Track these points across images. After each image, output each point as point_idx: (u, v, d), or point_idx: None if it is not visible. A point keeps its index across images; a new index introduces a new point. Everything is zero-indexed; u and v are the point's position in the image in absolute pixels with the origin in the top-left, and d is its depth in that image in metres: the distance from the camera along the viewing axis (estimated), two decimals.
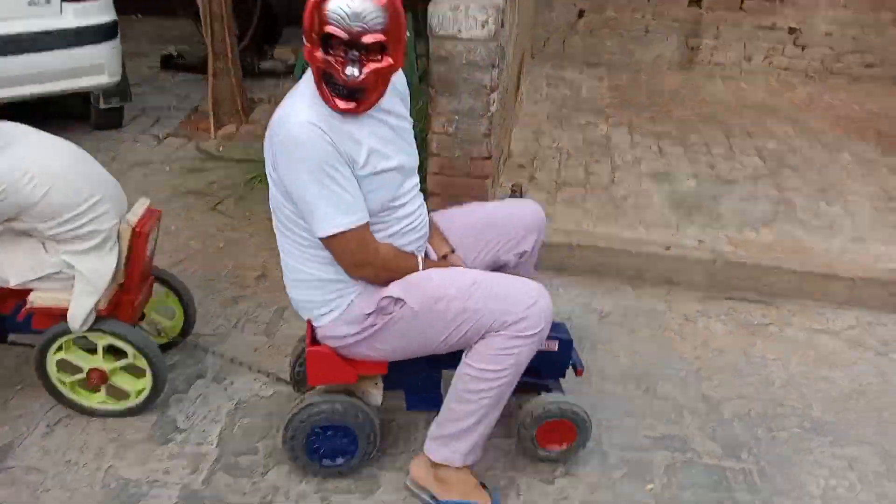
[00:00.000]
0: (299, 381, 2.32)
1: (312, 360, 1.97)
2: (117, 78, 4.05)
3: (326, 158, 1.71)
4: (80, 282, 2.10)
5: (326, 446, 2.04)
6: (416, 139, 2.05)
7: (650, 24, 5.63)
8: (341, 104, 1.73)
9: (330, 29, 1.65)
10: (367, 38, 1.66)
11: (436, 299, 1.83)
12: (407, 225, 1.93)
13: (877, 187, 3.94)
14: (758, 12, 5.52)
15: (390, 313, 1.87)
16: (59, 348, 2.18)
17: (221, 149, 4.18)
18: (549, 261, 3.19)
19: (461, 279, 1.88)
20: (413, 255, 1.93)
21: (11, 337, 2.33)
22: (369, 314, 1.88)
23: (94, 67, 3.90)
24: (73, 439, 2.19)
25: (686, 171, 3.99)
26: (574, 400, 2.13)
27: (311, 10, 1.67)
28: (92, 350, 2.21)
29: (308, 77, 1.78)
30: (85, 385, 2.24)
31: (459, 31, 2.88)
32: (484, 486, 2.04)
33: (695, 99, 5.19)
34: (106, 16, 3.91)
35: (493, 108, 3.03)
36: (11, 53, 3.63)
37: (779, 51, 5.63)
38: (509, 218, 2.19)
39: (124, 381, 2.26)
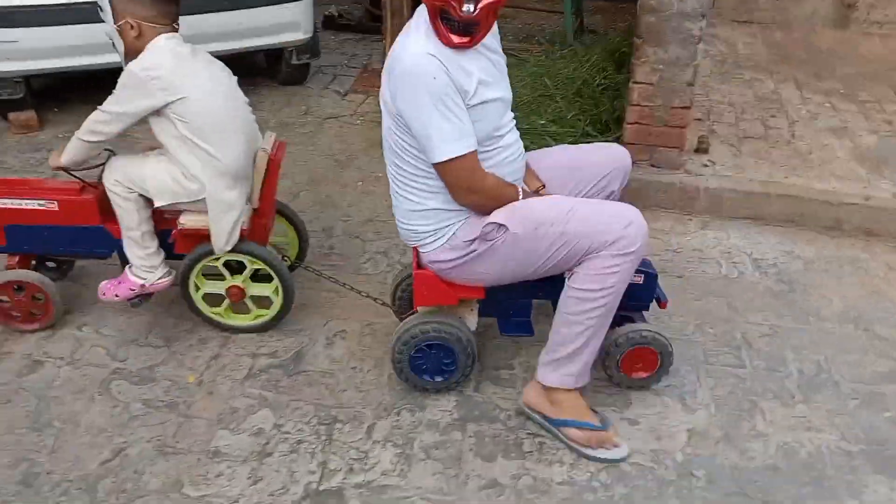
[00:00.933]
0: (400, 308, 2.47)
1: (419, 283, 2.11)
2: (310, 34, 4.31)
3: (444, 88, 1.82)
4: (212, 207, 2.30)
5: (430, 364, 2.20)
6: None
7: None
8: (456, 39, 1.83)
9: None
10: None
11: (536, 224, 1.94)
12: (507, 157, 2.03)
13: None
14: None
15: (492, 239, 1.98)
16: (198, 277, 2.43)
17: None
18: (745, 209, 3.31)
19: (560, 205, 1.99)
20: (514, 186, 2.03)
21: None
22: (473, 240, 2.00)
23: (291, 24, 4.17)
24: (353, 350, 2.48)
25: (864, 127, 4.00)
26: (658, 328, 2.25)
27: None
28: (218, 274, 2.45)
29: (421, 13, 1.90)
30: (223, 303, 2.48)
31: None
32: (594, 411, 2.15)
33: (855, 56, 5.12)
34: None
35: (699, 57, 3.14)
36: (219, 10, 3.92)
37: None
38: (597, 160, 2.26)
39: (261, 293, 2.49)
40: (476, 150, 1.92)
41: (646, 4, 3.07)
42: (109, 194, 2.33)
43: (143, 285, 2.40)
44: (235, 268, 2.47)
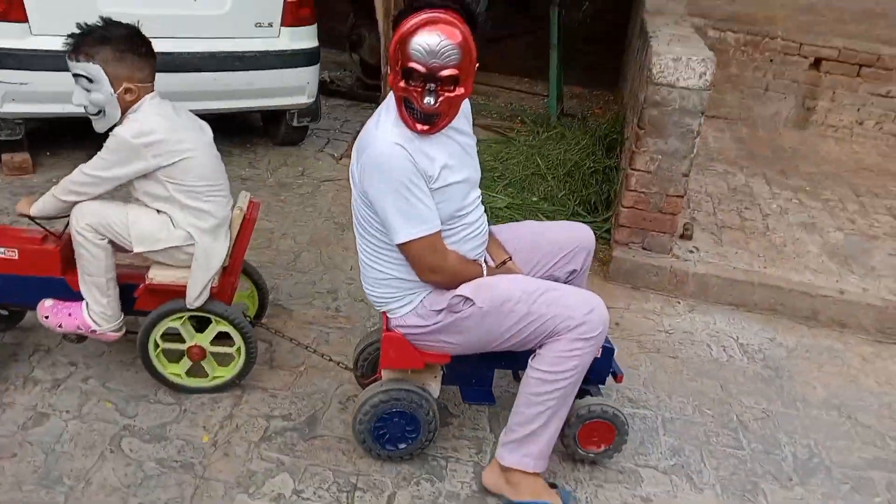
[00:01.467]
0: (363, 373, 2.50)
1: (387, 344, 2.15)
2: (314, 98, 4.42)
3: (407, 175, 1.91)
4: (198, 259, 2.30)
5: (391, 432, 2.22)
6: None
7: (770, 83, 5.96)
8: (419, 126, 1.94)
9: (411, 64, 1.84)
10: (443, 73, 1.86)
11: (503, 301, 2.02)
12: (470, 232, 2.11)
13: None
14: (873, 79, 5.84)
15: (459, 311, 2.05)
16: (158, 335, 2.38)
17: None
18: (730, 296, 3.49)
19: (526, 285, 2.07)
20: (478, 263, 2.13)
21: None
22: (440, 310, 2.07)
23: (298, 88, 4.27)
24: None
25: (830, 224, 4.28)
26: (614, 403, 2.34)
27: (395, 46, 1.87)
28: (175, 334, 2.41)
29: (389, 101, 2.00)
30: (180, 360, 2.44)
31: (678, 80, 3.22)
32: (553, 485, 2.20)
33: (814, 157, 5.49)
34: (313, 41, 4.29)
35: (695, 151, 3.35)
36: (236, 70, 4.00)
37: (890, 117, 5.93)
38: (561, 238, 2.35)
39: (218, 357, 2.47)
40: (438, 231, 2.00)
41: (651, 99, 3.28)
42: (77, 238, 2.26)
43: (93, 331, 2.35)
44: (196, 328, 2.44)
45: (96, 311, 2.33)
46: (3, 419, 2.29)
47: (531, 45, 6.68)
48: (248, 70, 4.04)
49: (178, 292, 2.33)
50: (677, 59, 3.20)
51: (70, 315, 2.34)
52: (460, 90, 1.93)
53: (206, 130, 2.43)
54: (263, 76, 4.12)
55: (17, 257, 2.33)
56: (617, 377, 2.38)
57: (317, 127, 5.00)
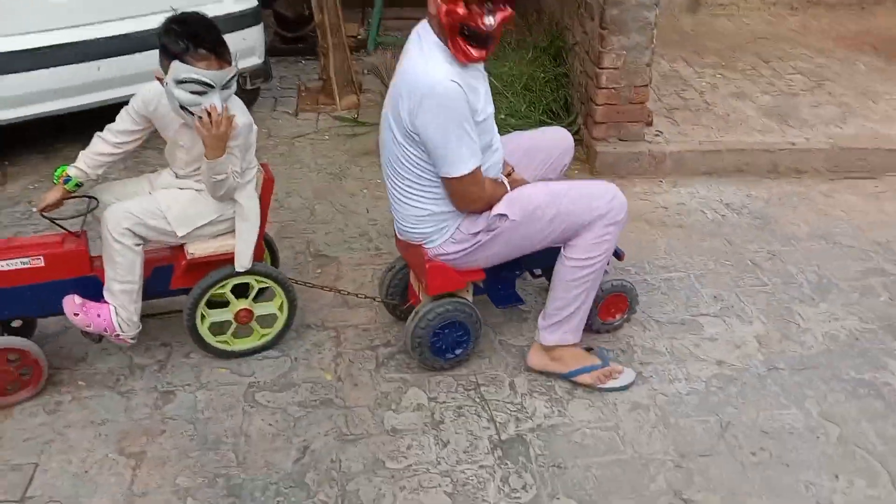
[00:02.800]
0: (392, 299, 2.68)
1: (433, 273, 2.32)
2: (262, 59, 4.42)
3: (464, 112, 2.05)
4: (242, 220, 2.35)
5: (446, 342, 2.43)
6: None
7: None
8: (475, 52, 2.04)
9: None
10: None
11: (533, 208, 2.21)
12: (496, 159, 2.30)
13: None
14: None
15: (495, 228, 2.24)
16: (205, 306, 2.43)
17: (357, 117, 4.62)
18: (703, 166, 3.92)
19: (550, 189, 2.26)
20: (503, 184, 2.29)
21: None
22: (477, 232, 2.25)
23: (248, 50, 4.24)
24: None
25: (755, 90, 4.80)
26: (620, 277, 2.68)
27: None
28: (222, 304, 2.49)
29: (424, 37, 2.10)
30: (228, 329, 2.51)
31: None
32: (590, 349, 2.48)
33: (714, 35, 6.02)
34: (254, 0, 4.27)
35: (654, 41, 3.69)
36: None
37: None
38: (548, 143, 2.57)
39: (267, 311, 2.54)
40: (481, 164, 2.17)
41: (610, 0, 3.56)
42: (114, 246, 2.25)
43: (117, 335, 2.35)
44: (239, 292, 2.49)
45: (125, 317, 2.33)
46: (133, 405, 2.37)
47: None
48: None
49: (216, 263, 2.39)
50: None
51: (99, 316, 2.32)
52: (510, 8, 2.09)
53: None
54: None
55: (43, 264, 2.29)
56: (620, 257, 2.63)
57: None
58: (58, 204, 2.40)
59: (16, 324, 2.50)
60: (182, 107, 2.19)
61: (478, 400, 2.39)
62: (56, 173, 2.40)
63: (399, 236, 2.42)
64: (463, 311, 2.42)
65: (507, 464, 2.15)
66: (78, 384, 2.45)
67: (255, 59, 4.34)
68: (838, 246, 3.28)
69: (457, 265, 2.36)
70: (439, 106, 2.04)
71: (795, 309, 2.85)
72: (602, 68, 3.74)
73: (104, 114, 4.11)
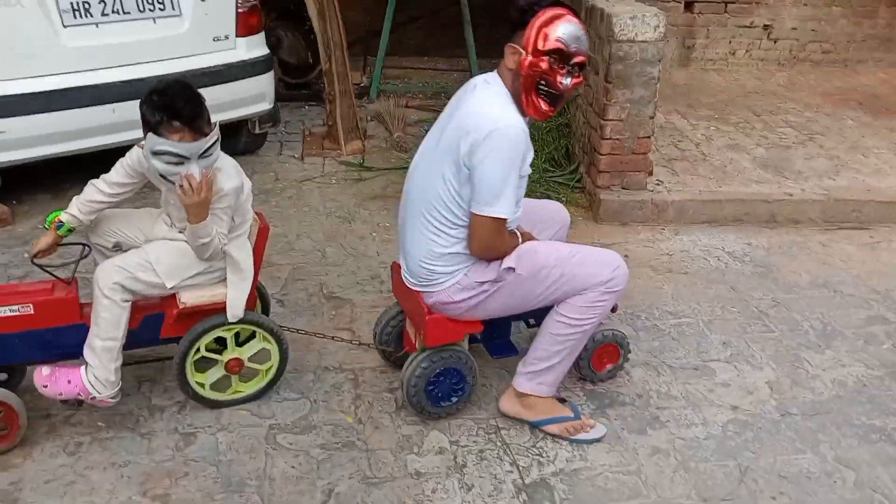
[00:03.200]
0: (386, 346, 2.70)
1: (432, 325, 2.35)
2: (272, 104, 4.50)
3: (520, 159, 2.15)
4: (234, 271, 2.37)
5: (442, 390, 2.45)
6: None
7: None
8: (545, 107, 2.18)
9: (558, 45, 2.10)
10: (579, 58, 2.15)
11: (540, 267, 2.26)
12: (517, 217, 2.36)
13: (887, 141, 5.07)
14: (738, 13, 6.64)
15: (502, 280, 2.29)
16: (196, 350, 2.39)
17: (363, 162, 4.70)
18: (704, 215, 4.02)
19: (559, 250, 2.31)
20: (516, 236, 2.34)
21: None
22: (485, 282, 2.28)
23: (259, 95, 4.33)
24: None
25: (749, 143, 4.95)
26: (612, 327, 2.70)
27: (538, 30, 2.11)
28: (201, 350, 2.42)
29: (495, 85, 2.21)
30: (218, 378, 2.48)
31: (636, 35, 3.66)
32: (563, 400, 2.50)
33: (706, 88, 6.21)
34: (264, 48, 4.37)
35: (657, 95, 3.82)
36: (203, 86, 3.97)
37: (756, 45, 6.77)
38: (549, 214, 2.66)
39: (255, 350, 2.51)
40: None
41: (615, 55, 3.71)
42: (103, 301, 2.22)
43: (93, 397, 2.28)
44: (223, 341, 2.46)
45: (100, 376, 2.27)
46: (154, 447, 2.36)
47: (424, 27, 6.97)
48: (213, 85, 4.03)
49: (208, 312, 2.38)
50: (634, 17, 3.64)
51: (69, 382, 2.27)
52: (581, 77, 2.21)
53: None
54: (228, 89, 4.15)
55: (32, 311, 2.26)
56: (614, 309, 2.63)
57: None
58: (50, 249, 2.39)
59: (0, 376, 2.41)
60: (161, 175, 2.23)
61: (499, 444, 2.41)
62: (48, 218, 2.39)
63: (406, 278, 2.41)
64: (459, 359, 2.45)
65: None
66: (98, 425, 2.44)
67: (266, 105, 4.42)
68: (839, 294, 3.37)
69: (456, 315, 2.38)
70: (504, 145, 2.12)
71: (803, 356, 2.92)
72: (606, 120, 3.85)
73: (115, 155, 4.17)
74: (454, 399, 2.50)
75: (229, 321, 2.39)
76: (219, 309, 2.39)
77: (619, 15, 3.64)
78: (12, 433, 2.28)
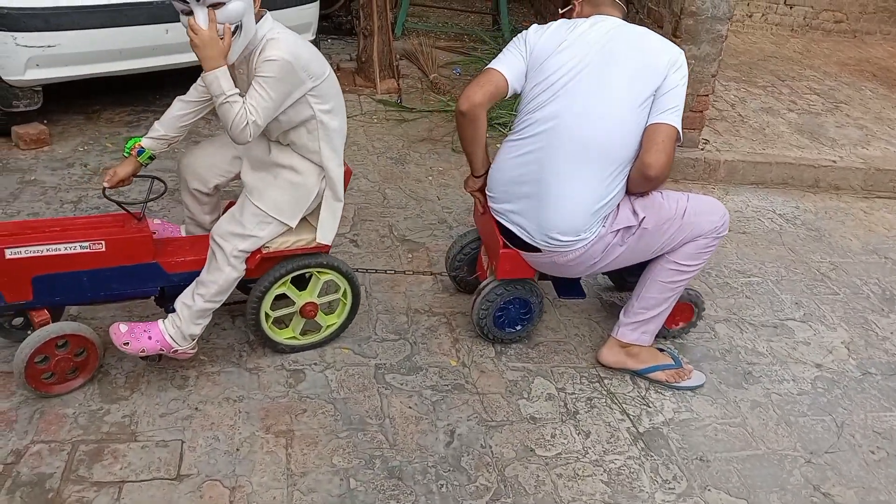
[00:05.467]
0: (459, 275, 2.77)
1: (504, 259, 2.38)
2: (314, 36, 4.34)
3: None
4: (329, 193, 2.26)
5: (509, 317, 2.53)
6: None
7: None
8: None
9: None
10: None
11: (665, 220, 2.28)
12: None
13: None
14: None
15: (633, 228, 2.27)
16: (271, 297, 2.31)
17: (401, 101, 4.59)
18: (752, 176, 4.08)
19: (679, 200, 2.33)
20: None
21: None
22: (618, 230, 2.26)
23: (304, 26, 4.17)
24: (563, 317, 2.77)
25: (781, 107, 5.01)
26: (690, 287, 2.61)
27: None
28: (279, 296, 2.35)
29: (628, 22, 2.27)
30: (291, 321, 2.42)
31: None
32: (661, 349, 2.55)
33: (729, 50, 6.20)
34: None
35: (722, 52, 3.81)
36: None
37: (773, 9, 6.81)
38: None
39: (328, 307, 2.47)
40: None
41: (687, 10, 3.67)
42: (225, 268, 2.15)
43: (175, 350, 2.20)
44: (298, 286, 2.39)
45: (185, 330, 2.18)
46: (266, 382, 2.31)
47: None
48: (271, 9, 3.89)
49: (282, 259, 2.29)
50: None
51: (150, 338, 2.17)
52: None
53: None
54: (276, 15, 3.96)
55: (104, 249, 2.12)
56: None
57: None
58: (127, 180, 2.27)
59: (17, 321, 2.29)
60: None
61: (605, 393, 2.44)
62: (127, 146, 2.27)
63: (546, 240, 2.27)
64: (529, 291, 2.49)
65: (652, 455, 2.22)
66: (200, 359, 2.37)
67: (310, 36, 4.27)
68: (890, 261, 3.49)
69: (577, 273, 2.38)
70: (686, 68, 2.21)
71: (870, 318, 3.02)
72: None
73: (160, 78, 3.97)
74: (519, 327, 2.55)
75: (321, 242, 2.28)
76: (293, 254, 2.30)
77: None
78: (91, 364, 2.21)
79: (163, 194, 2.26)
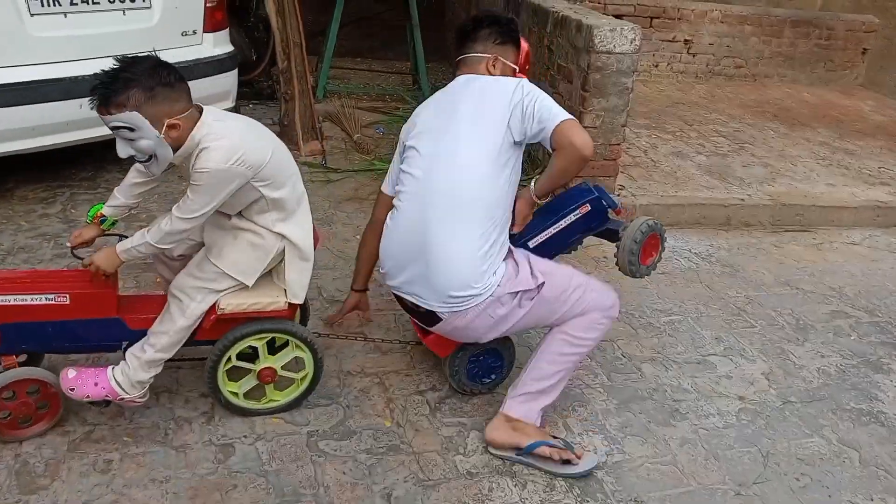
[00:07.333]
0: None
1: (434, 346, 2.56)
2: (234, 103, 4.36)
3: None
4: (291, 250, 2.29)
5: (482, 368, 2.59)
6: None
7: None
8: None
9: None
10: None
11: (563, 289, 2.32)
12: None
13: (807, 150, 5.53)
14: (662, 28, 7.03)
15: (533, 294, 2.28)
16: (228, 359, 2.33)
17: (325, 162, 4.63)
18: (667, 218, 4.24)
19: (575, 273, 2.39)
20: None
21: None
22: (517, 292, 2.27)
23: (223, 93, 4.18)
24: None
25: (689, 150, 5.26)
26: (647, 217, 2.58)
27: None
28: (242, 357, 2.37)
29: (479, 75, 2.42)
30: (251, 388, 2.42)
31: (614, 47, 3.83)
32: (555, 437, 2.38)
33: (637, 99, 6.48)
34: (229, 45, 4.22)
35: (629, 104, 4.01)
36: None
37: (677, 58, 7.19)
38: None
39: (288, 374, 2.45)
40: None
41: (594, 65, 3.85)
42: (180, 321, 2.21)
43: (121, 398, 2.25)
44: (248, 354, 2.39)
45: (132, 377, 2.22)
46: (193, 460, 2.25)
47: (357, 29, 6.94)
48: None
49: (243, 319, 2.31)
50: (613, 30, 3.80)
51: (96, 385, 2.21)
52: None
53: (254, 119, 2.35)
54: (194, 86, 3.96)
55: (68, 302, 2.20)
56: (617, 210, 2.62)
57: None
58: (91, 241, 2.36)
59: (21, 357, 2.31)
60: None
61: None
62: (90, 213, 2.37)
63: (434, 304, 2.30)
64: (496, 341, 2.52)
65: (588, 501, 2.24)
66: (123, 440, 2.30)
67: (229, 103, 4.28)
68: (801, 292, 3.66)
69: (479, 335, 2.39)
70: (529, 85, 2.31)
71: (786, 348, 3.16)
72: (584, 127, 3.99)
73: (78, 152, 3.92)
74: (494, 376, 2.61)
75: (292, 301, 2.33)
76: (255, 317, 2.32)
77: (599, 27, 3.79)
78: (52, 411, 2.28)
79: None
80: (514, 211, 2.42)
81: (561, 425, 2.55)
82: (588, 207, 2.52)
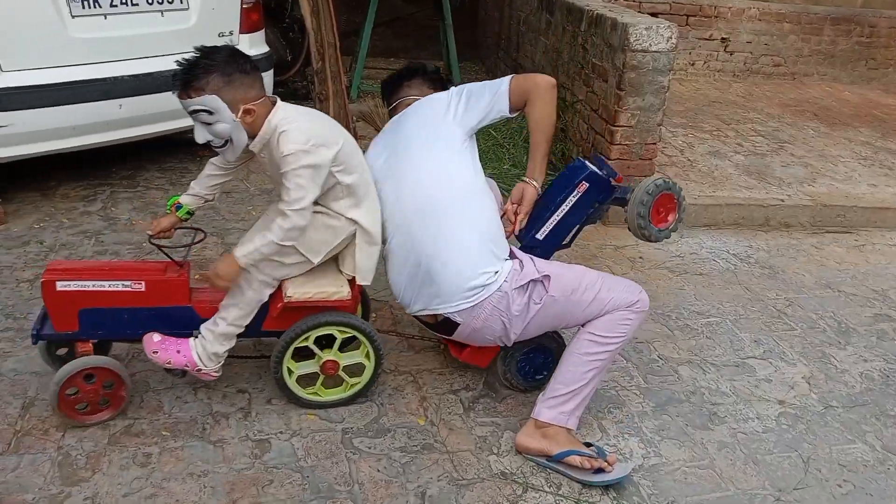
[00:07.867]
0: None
1: (470, 357, 2.57)
2: None
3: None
4: (361, 234, 2.34)
5: (533, 365, 2.59)
6: None
7: None
8: None
9: None
10: None
11: (572, 290, 2.29)
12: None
13: (848, 150, 5.41)
14: (699, 26, 6.94)
15: (538, 302, 2.29)
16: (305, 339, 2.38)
17: None
18: (704, 219, 4.19)
19: (587, 273, 2.36)
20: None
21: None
22: (526, 284, 2.26)
23: None
24: None
25: (727, 150, 5.18)
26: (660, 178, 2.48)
27: None
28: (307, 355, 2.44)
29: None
30: (315, 380, 2.47)
31: (650, 45, 3.78)
32: (588, 444, 2.34)
33: (674, 97, 6.43)
34: (265, 46, 4.27)
35: (665, 103, 3.96)
36: None
37: (714, 56, 7.10)
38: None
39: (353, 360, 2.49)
40: None
41: (629, 64, 3.81)
42: (248, 292, 2.28)
43: (199, 369, 2.34)
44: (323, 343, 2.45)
45: (210, 350, 2.32)
46: (230, 455, 2.27)
47: (391, 29, 6.96)
48: None
49: (311, 310, 2.36)
50: (649, 28, 3.76)
51: (179, 352, 2.32)
52: None
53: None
54: None
55: (144, 289, 2.31)
56: (618, 178, 2.54)
57: None
58: (168, 231, 2.44)
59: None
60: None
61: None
62: (169, 202, 2.47)
63: (447, 307, 2.32)
64: (544, 337, 2.51)
65: None
66: (162, 434, 2.33)
67: None
68: (843, 294, 3.58)
69: (494, 338, 2.39)
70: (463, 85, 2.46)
71: (828, 352, 3.09)
72: (617, 126, 3.96)
73: (118, 152, 3.99)
74: (546, 373, 2.57)
75: (361, 283, 2.40)
76: (323, 307, 2.37)
77: (635, 25, 3.75)
78: (116, 402, 2.36)
79: (199, 241, 2.47)
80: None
81: (596, 427, 2.53)
82: (586, 185, 2.44)
